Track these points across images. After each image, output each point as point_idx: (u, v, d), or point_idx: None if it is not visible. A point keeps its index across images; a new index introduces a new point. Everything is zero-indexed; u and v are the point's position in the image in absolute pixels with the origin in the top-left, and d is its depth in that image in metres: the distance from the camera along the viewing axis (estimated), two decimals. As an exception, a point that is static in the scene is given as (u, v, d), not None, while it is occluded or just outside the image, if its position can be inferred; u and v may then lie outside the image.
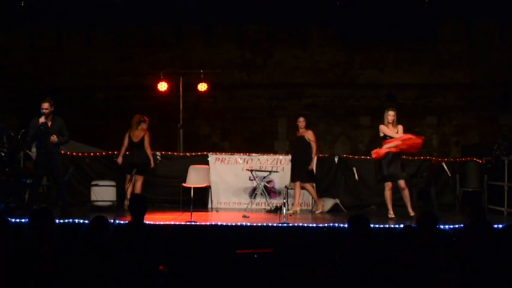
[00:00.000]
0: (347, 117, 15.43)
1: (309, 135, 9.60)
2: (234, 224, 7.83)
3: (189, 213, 8.11)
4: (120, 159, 9.76)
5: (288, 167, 10.10)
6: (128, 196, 9.35)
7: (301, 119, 9.72)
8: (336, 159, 10.65)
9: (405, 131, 9.04)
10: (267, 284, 6.24)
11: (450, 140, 15.10)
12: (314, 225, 7.93)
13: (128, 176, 9.57)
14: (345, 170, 10.51)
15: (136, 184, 9.61)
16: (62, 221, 7.66)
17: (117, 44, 15.87)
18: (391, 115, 8.94)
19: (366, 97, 15.36)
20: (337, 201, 10.05)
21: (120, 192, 9.93)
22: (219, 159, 10.61)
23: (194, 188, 9.50)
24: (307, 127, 9.69)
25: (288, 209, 8.62)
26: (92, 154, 10.72)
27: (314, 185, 10.16)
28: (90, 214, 7.24)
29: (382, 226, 7.70)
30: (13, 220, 7.12)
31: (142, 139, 9.63)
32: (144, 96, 14.82)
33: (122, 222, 6.88)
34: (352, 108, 15.45)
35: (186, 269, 6.62)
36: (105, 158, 10.59)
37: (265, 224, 7.86)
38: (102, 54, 15.72)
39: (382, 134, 9.00)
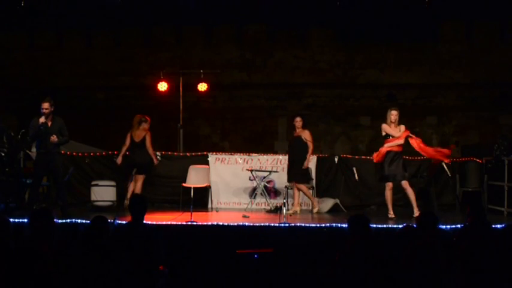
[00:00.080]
0: (347, 117, 15.43)
1: (306, 135, 9.58)
2: (234, 224, 7.83)
3: (189, 213, 8.11)
4: (119, 159, 9.76)
5: (288, 167, 10.11)
6: (129, 195, 9.35)
7: (298, 119, 9.71)
8: (336, 159, 10.64)
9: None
10: (267, 284, 6.24)
11: (450, 140, 15.10)
12: (314, 225, 7.93)
13: (130, 176, 9.59)
14: (345, 170, 10.51)
15: (136, 184, 9.61)
16: (62, 221, 7.66)
17: (117, 44, 15.87)
18: (394, 114, 8.93)
19: (366, 97, 15.36)
20: (337, 201, 10.04)
21: (120, 192, 9.94)
22: (219, 159, 10.61)
23: (194, 188, 9.49)
24: (304, 127, 9.67)
25: (288, 209, 8.62)
26: (92, 154, 10.73)
27: (314, 185, 10.18)
28: (90, 214, 7.24)
29: (382, 226, 7.70)
30: (13, 220, 7.12)
31: (144, 139, 9.62)
32: (144, 96, 14.82)
33: (122, 222, 6.87)
34: (352, 108, 15.44)
35: (186, 269, 6.63)
36: (105, 158, 10.59)
37: (265, 224, 7.86)
38: (102, 54, 15.72)
39: (384, 133, 9.00)
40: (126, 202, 9.13)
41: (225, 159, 10.63)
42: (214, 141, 15.62)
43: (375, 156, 9.05)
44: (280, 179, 10.22)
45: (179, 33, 15.76)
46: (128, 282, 4.77)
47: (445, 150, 9.38)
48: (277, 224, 7.81)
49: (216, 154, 10.75)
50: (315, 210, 9.71)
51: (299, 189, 9.63)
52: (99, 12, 15.31)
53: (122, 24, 15.67)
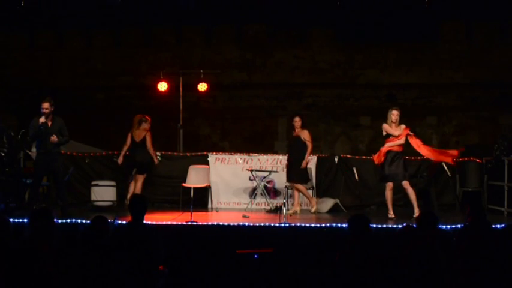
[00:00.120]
0: (347, 117, 15.43)
1: (305, 135, 9.57)
2: (234, 224, 7.84)
3: (189, 213, 8.12)
4: (120, 159, 9.76)
5: (288, 167, 10.11)
6: (129, 195, 9.35)
7: (297, 119, 9.70)
8: (336, 159, 10.64)
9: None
10: (267, 284, 6.24)
11: (450, 140, 15.09)
12: (314, 225, 7.93)
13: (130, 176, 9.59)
14: (345, 170, 10.51)
15: (136, 184, 9.61)
16: (62, 221, 7.67)
17: (117, 44, 15.87)
18: (395, 114, 8.92)
19: (366, 97, 15.35)
20: (337, 201, 10.04)
21: (120, 193, 9.94)
22: (219, 159, 10.61)
23: (194, 188, 9.49)
24: (303, 127, 9.67)
25: (288, 209, 8.62)
26: (92, 154, 10.73)
27: (314, 185, 10.18)
28: (90, 214, 7.24)
29: (382, 226, 7.70)
30: (13, 220, 7.12)
31: (144, 138, 9.62)
32: (144, 96, 14.82)
33: (122, 222, 6.88)
34: (352, 108, 15.44)
35: (186, 269, 6.62)
36: (105, 158, 10.60)
37: (265, 224, 7.87)
38: (102, 54, 15.72)
39: (384, 133, 8.99)
40: (127, 202, 9.13)
41: (225, 159, 10.63)
42: (214, 141, 15.62)
43: (376, 158, 9.03)
44: (280, 179, 10.22)
45: (179, 33, 15.76)
46: (127, 282, 4.77)
47: (453, 152, 9.33)
48: (277, 224, 7.81)
49: (216, 154, 10.75)
50: (313, 209, 9.70)
51: (297, 189, 9.64)
52: (99, 12, 15.32)
53: (122, 24, 15.67)
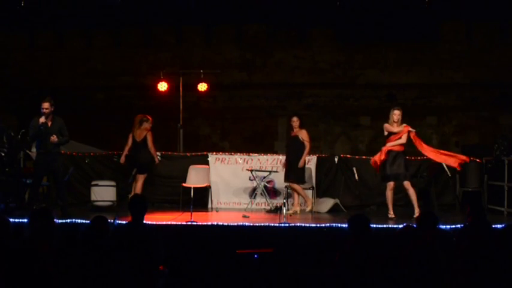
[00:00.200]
0: (347, 117, 15.42)
1: (303, 135, 9.58)
2: (234, 224, 7.84)
3: (189, 213, 8.12)
4: (122, 159, 9.76)
5: (287, 167, 10.11)
6: (133, 192, 9.35)
7: (295, 119, 9.71)
8: (336, 159, 10.64)
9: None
10: (267, 284, 6.24)
11: (450, 140, 15.09)
12: (314, 225, 7.93)
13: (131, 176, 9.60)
14: (345, 170, 10.51)
15: (137, 184, 9.60)
16: (62, 221, 7.67)
17: (117, 44, 15.87)
18: (396, 114, 8.92)
19: (366, 97, 15.35)
20: (337, 201, 10.04)
21: (120, 193, 9.94)
22: (219, 159, 10.61)
23: (194, 188, 9.50)
24: (301, 126, 9.67)
25: (288, 209, 8.62)
26: (92, 154, 10.73)
27: (314, 185, 10.17)
28: (90, 214, 7.24)
29: (382, 226, 7.70)
30: (13, 220, 7.12)
31: (145, 138, 9.62)
32: (144, 96, 14.81)
33: (122, 222, 6.88)
34: (352, 108, 15.44)
35: (186, 269, 6.62)
36: (105, 158, 10.60)
37: (265, 224, 7.87)
38: (102, 54, 15.72)
39: (386, 133, 8.99)
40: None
41: (225, 159, 10.63)
42: (214, 141, 15.61)
43: (377, 158, 8.97)
44: (280, 179, 10.21)
45: (179, 33, 15.76)
46: (127, 282, 4.77)
47: (462, 157, 9.26)
48: (277, 224, 7.81)
49: (216, 154, 10.76)
50: (308, 209, 9.71)
51: (293, 189, 9.64)
52: (99, 12, 15.30)
53: (122, 24, 15.66)
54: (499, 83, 14.74)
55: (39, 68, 15.74)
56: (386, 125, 8.99)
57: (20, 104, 14.74)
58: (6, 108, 14.77)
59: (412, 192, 8.86)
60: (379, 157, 8.96)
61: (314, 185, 10.18)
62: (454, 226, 7.49)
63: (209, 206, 10.26)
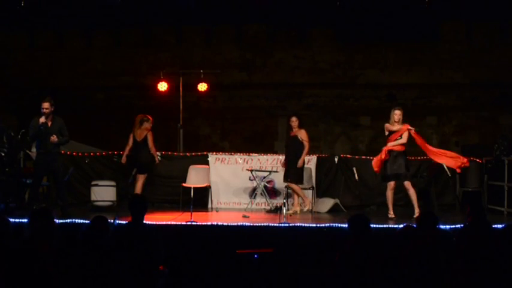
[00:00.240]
0: (347, 117, 15.42)
1: (302, 135, 9.58)
2: (234, 224, 7.84)
3: (189, 213, 8.12)
4: (123, 159, 9.76)
5: (287, 167, 10.11)
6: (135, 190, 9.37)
7: (294, 119, 9.71)
8: (336, 159, 10.64)
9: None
10: (267, 284, 6.24)
11: (450, 140, 15.09)
12: (314, 225, 7.93)
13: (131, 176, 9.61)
14: (345, 170, 10.51)
15: (137, 183, 9.61)
16: (62, 221, 7.66)
17: (117, 44, 15.87)
18: (397, 114, 8.92)
19: (366, 97, 15.35)
20: (337, 201, 10.04)
21: (120, 193, 9.94)
22: (219, 159, 10.61)
23: (194, 188, 9.50)
24: (300, 126, 9.67)
25: (288, 209, 8.62)
26: (92, 154, 10.73)
27: (314, 185, 10.17)
28: (90, 214, 7.24)
29: (382, 226, 7.70)
30: (13, 220, 7.12)
31: (145, 138, 9.62)
32: (144, 96, 14.81)
33: (122, 222, 6.88)
34: (352, 108, 15.44)
35: (186, 269, 6.62)
36: (105, 158, 10.60)
37: (265, 224, 7.87)
38: (102, 54, 15.71)
39: (387, 133, 8.99)
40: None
41: (225, 159, 10.63)
42: (214, 141, 15.61)
43: (378, 159, 8.97)
44: (280, 179, 10.20)
45: (179, 33, 15.75)
46: (127, 282, 4.77)
47: (464, 159, 9.24)
48: (277, 224, 7.81)
49: (216, 154, 10.76)
50: (305, 208, 9.72)
51: (291, 189, 9.64)
52: (99, 12, 15.29)
53: (122, 24, 15.66)
54: (499, 83, 14.74)
55: (39, 68, 15.73)
56: (387, 125, 9.00)
57: (20, 104, 14.74)
58: (6, 108, 14.77)
59: (412, 192, 8.86)
60: (380, 158, 8.96)
61: (314, 185, 10.18)
62: (454, 226, 7.49)
63: (209, 206, 10.26)
